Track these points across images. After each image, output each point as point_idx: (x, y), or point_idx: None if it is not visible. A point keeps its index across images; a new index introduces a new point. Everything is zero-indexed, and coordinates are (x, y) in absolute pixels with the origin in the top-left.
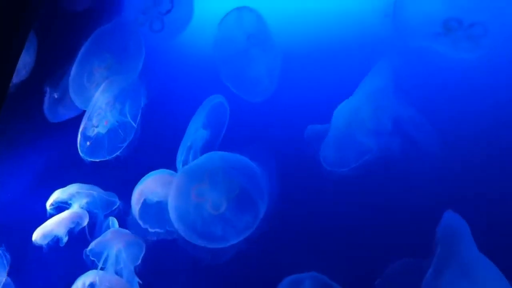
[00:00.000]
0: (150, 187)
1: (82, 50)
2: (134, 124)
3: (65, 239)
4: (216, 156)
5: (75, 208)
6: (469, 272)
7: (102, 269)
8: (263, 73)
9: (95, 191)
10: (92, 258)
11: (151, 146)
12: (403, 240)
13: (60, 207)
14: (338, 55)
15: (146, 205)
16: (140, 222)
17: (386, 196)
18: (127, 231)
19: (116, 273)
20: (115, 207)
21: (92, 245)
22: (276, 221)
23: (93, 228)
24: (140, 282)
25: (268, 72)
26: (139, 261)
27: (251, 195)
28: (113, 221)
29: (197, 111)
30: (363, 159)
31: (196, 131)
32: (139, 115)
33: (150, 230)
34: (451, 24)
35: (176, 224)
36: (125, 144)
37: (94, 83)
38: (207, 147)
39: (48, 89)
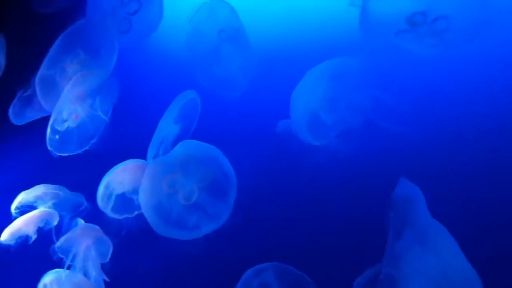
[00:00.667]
0: (118, 177)
1: (53, 48)
2: (105, 119)
3: (34, 237)
4: (189, 144)
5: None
6: (422, 237)
7: (69, 266)
8: (235, 68)
9: (62, 192)
10: (61, 255)
11: (123, 142)
12: (370, 230)
13: (26, 211)
14: (311, 50)
15: (113, 195)
16: (110, 213)
17: (357, 186)
18: (97, 227)
19: (84, 270)
20: (82, 207)
21: (60, 241)
22: (246, 213)
23: (60, 230)
24: (107, 280)
25: (240, 68)
26: (108, 259)
27: (221, 183)
28: (80, 223)
29: (169, 107)
30: (331, 135)
31: (167, 126)
32: (111, 110)
33: (119, 217)
34: (417, 19)
35: (149, 216)
36: (94, 139)
37: (67, 79)
38: (178, 142)
39: (18, 91)
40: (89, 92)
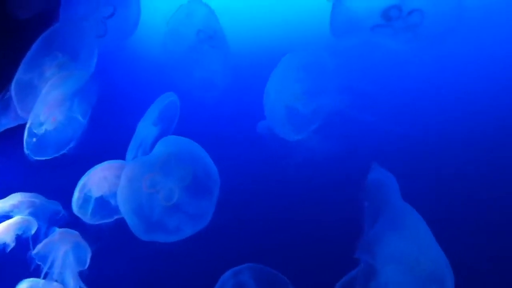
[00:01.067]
0: (95, 179)
1: (30, 52)
2: (83, 122)
3: (12, 245)
4: (169, 142)
5: None
6: (395, 222)
7: (47, 274)
8: (214, 68)
9: (38, 200)
10: (39, 262)
11: (101, 145)
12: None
13: (1, 221)
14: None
15: (90, 199)
16: (87, 218)
17: (338, 185)
18: (75, 232)
19: (62, 277)
20: (60, 216)
21: (38, 247)
22: (228, 214)
23: (37, 239)
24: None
25: (219, 68)
26: (86, 265)
27: (204, 181)
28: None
29: (148, 109)
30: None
31: (146, 128)
32: (89, 113)
33: (97, 222)
34: (392, 13)
35: (128, 219)
36: (73, 143)
37: (45, 82)
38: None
39: None
40: (67, 94)
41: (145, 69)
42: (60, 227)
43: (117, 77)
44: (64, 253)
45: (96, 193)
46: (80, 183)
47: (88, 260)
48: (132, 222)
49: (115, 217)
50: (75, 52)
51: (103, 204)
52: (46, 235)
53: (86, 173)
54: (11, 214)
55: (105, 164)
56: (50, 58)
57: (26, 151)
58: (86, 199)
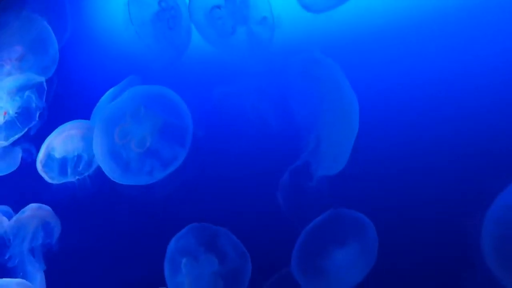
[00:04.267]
0: (59, 139)
1: None
2: (36, 116)
3: None
4: (137, 93)
5: None
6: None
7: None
8: (177, 36)
9: None
10: (8, 237)
11: None
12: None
13: None
14: None
15: (54, 158)
16: (49, 176)
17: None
18: (47, 207)
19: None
20: None
21: (10, 223)
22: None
23: None
24: (44, 267)
25: (183, 37)
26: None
27: (176, 125)
28: None
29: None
30: None
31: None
32: (44, 105)
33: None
34: None
35: (107, 169)
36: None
37: (5, 74)
38: None
39: None
40: (20, 87)
41: (108, 53)
42: None
43: (78, 67)
44: (34, 228)
45: (60, 152)
46: (47, 141)
47: (58, 234)
48: (109, 168)
49: (79, 176)
50: (35, 45)
51: (67, 163)
52: None
53: (53, 132)
54: None
55: (74, 123)
56: (9, 52)
57: None
58: (50, 158)
